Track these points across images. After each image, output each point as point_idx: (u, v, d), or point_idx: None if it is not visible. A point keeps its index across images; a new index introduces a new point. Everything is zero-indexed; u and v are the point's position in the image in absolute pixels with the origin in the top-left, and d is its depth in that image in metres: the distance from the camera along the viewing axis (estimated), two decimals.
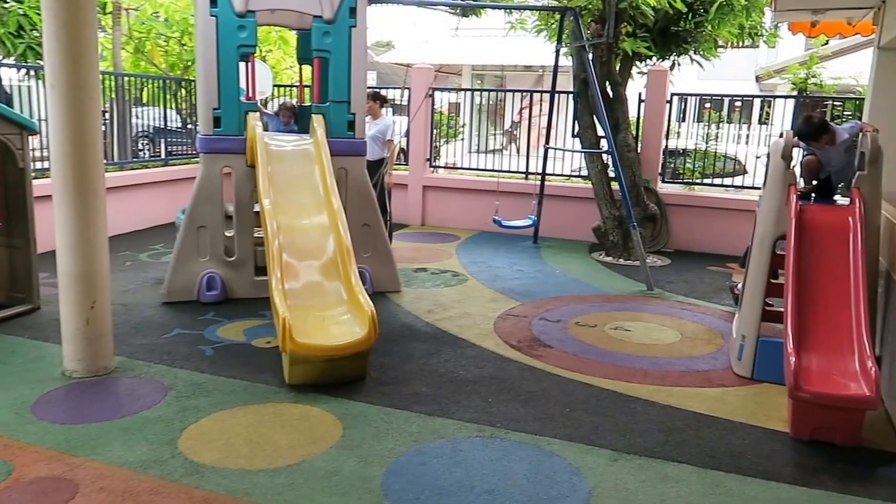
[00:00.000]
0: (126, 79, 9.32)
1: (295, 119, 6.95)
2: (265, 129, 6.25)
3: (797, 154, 4.87)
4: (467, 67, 20.88)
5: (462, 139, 11.70)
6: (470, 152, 11.65)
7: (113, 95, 9.07)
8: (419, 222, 10.27)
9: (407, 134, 10.09)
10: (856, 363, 3.88)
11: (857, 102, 8.66)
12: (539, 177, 8.96)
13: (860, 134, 4.64)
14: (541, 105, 10.43)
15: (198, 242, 5.95)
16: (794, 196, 4.57)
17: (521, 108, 12.11)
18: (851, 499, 3.27)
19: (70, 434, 3.61)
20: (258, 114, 6.02)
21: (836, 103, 9.40)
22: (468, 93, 12.76)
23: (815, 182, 4.98)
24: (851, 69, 11.80)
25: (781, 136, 4.83)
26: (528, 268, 7.76)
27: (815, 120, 4.84)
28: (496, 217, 8.18)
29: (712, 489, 3.30)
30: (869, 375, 3.70)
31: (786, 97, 10.51)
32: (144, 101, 10.06)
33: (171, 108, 10.09)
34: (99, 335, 4.37)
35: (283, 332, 4.16)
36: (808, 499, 3.25)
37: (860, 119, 6.91)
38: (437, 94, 10.76)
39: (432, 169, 10.53)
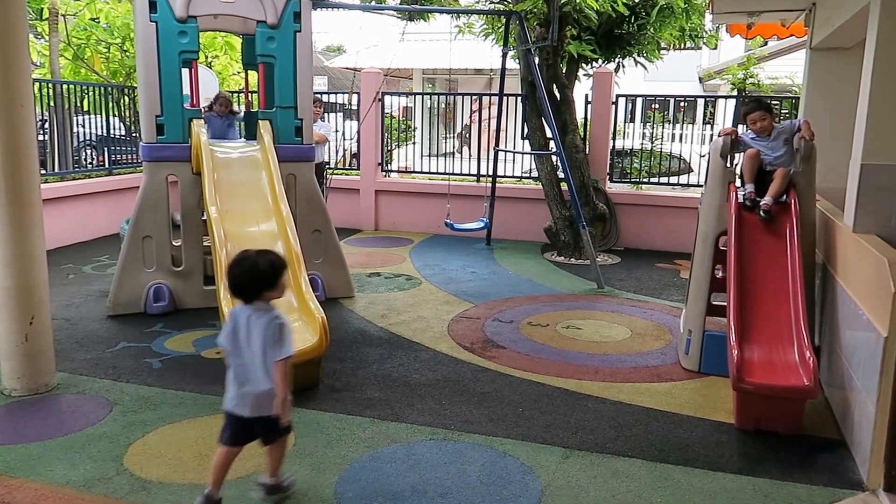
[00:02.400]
0: (65, 86, 9.05)
1: (231, 110, 6.83)
2: (207, 124, 6.12)
3: (738, 158, 4.98)
4: (418, 71, 20.90)
5: (414, 143, 11.72)
6: (423, 156, 11.67)
7: (52, 104, 8.80)
8: (372, 227, 10.23)
9: (357, 139, 10.05)
10: (795, 354, 4.00)
11: (794, 101, 8.95)
12: (490, 179, 9.02)
13: (797, 132, 4.77)
14: (489, 108, 10.50)
15: (143, 253, 5.82)
16: (734, 193, 4.70)
17: (472, 112, 12.18)
18: (794, 485, 3.37)
19: (9, 455, 3.49)
20: (202, 121, 5.91)
21: (773, 102, 9.69)
22: (419, 96, 12.78)
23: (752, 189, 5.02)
24: (788, 69, 12.21)
25: (720, 135, 4.96)
26: (482, 269, 7.80)
27: (759, 100, 5.12)
28: (448, 220, 8.21)
29: (661, 482, 3.37)
30: (808, 366, 3.83)
31: (727, 97, 10.82)
32: (85, 109, 9.79)
33: (114, 115, 9.84)
34: (39, 351, 4.23)
35: None
36: (753, 487, 3.34)
37: (796, 116, 7.15)
38: (388, 98, 10.76)
39: (384, 173, 10.51)
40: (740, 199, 4.68)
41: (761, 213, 4.59)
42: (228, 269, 3.02)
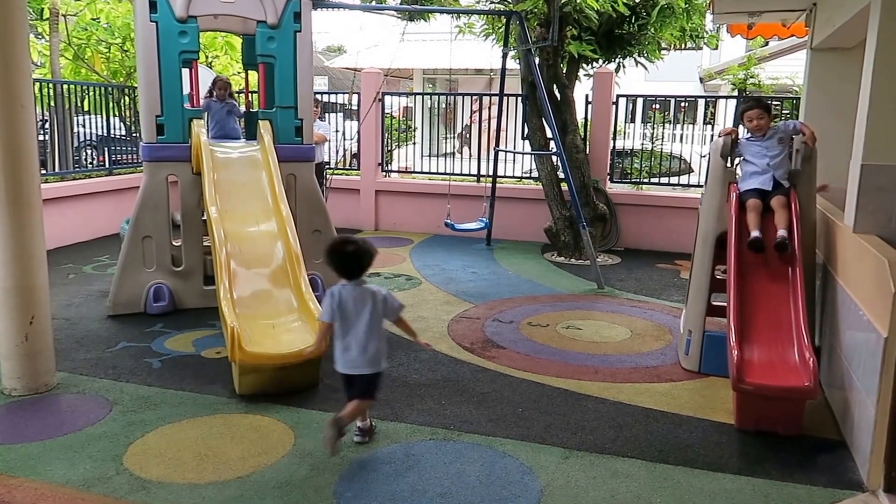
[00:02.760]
0: (66, 86, 9.06)
1: (230, 94, 6.79)
2: (207, 111, 6.08)
3: (737, 161, 4.96)
4: (418, 71, 20.90)
5: (414, 143, 11.72)
6: (423, 156, 11.67)
7: (52, 104, 8.81)
8: (372, 227, 10.23)
9: (358, 139, 10.05)
10: (795, 355, 4.00)
11: (794, 102, 8.95)
12: (490, 179, 9.02)
13: (794, 133, 4.76)
14: (490, 109, 10.51)
15: (143, 253, 5.82)
16: (734, 193, 4.70)
17: (473, 112, 12.18)
18: (794, 486, 3.36)
19: (9, 454, 3.49)
20: (203, 121, 5.91)
21: (774, 103, 9.69)
22: (419, 97, 12.79)
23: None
24: (788, 70, 12.21)
25: (720, 135, 4.96)
26: (482, 270, 7.80)
27: (759, 99, 5.11)
28: (448, 220, 8.21)
29: (661, 482, 3.37)
30: (808, 366, 3.82)
31: (727, 97, 10.82)
32: (86, 109, 9.79)
33: (114, 115, 9.84)
34: (39, 351, 4.23)
35: (232, 342, 4.10)
36: (753, 488, 3.34)
37: (797, 119, 7.14)
38: (388, 98, 10.76)
39: (385, 173, 10.51)
40: (749, 243, 4.50)
41: (778, 246, 4.40)
42: (335, 251, 3.54)
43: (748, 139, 4.83)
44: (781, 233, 4.44)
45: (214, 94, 6.72)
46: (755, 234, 4.51)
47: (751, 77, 11.49)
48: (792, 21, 7.21)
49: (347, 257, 3.52)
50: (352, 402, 3.55)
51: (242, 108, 6.99)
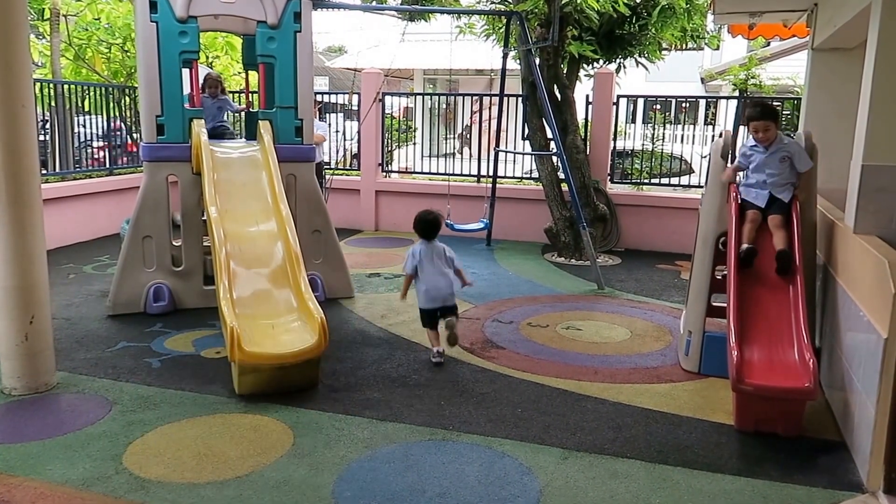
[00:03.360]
0: (66, 86, 9.06)
1: (222, 90, 6.79)
2: (202, 107, 6.10)
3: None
4: (419, 71, 20.90)
5: (415, 143, 11.72)
6: (423, 156, 11.66)
7: (53, 104, 8.81)
8: (372, 227, 10.23)
9: (358, 139, 10.04)
10: (795, 355, 3.99)
11: (795, 102, 8.94)
12: (490, 180, 9.02)
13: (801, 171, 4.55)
14: (490, 109, 10.51)
15: (143, 253, 5.82)
16: (735, 194, 4.69)
17: (473, 112, 12.17)
18: (793, 487, 3.36)
19: (8, 454, 3.49)
20: (203, 120, 5.91)
21: (775, 103, 9.69)
22: (420, 97, 12.79)
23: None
24: (790, 70, 12.20)
25: (721, 135, 4.95)
26: (482, 270, 7.80)
27: (767, 106, 4.74)
28: (448, 221, 8.20)
29: (660, 483, 3.36)
30: (808, 367, 3.81)
31: (728, 98, 10.81)
32: (86, 109, 9.79)
33: (115, 115, 9.84)
34: (39, 351, 4.23)
35: (232, 342, 4.10)
36: (753, 489, 3.34)
37: (797, 119, 7.14)
38: (389, 98, 10.75)
39: (385, 174, 10.51)
40: (740, 254, 4.42)
41: (779, 261, 4.29)
42: (422, 220, 4.96)
43: (752, 147, 4.66)
44: (781, 248, 4.32)
45: (207, 90, 6.71)
46: (746, 245, 4.43)
47: (752, 77, 11.47)
48: (793, 21, 7.21)
49: (430, 223, 4.93)
50: (446, 322, 4.82)
51: (239, 105, 6.97)
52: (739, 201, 4.65)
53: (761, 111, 4.60)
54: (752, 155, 4.65)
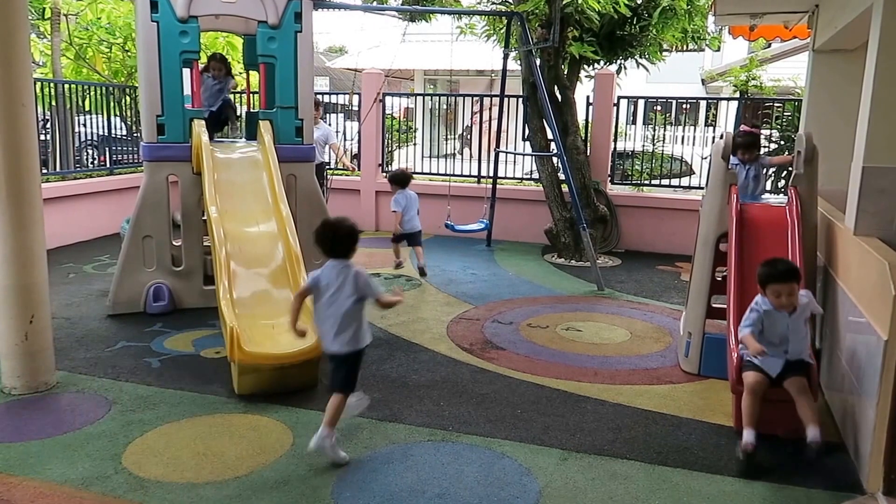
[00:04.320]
0: (67, 86, 9.06)
1: (227, 71, 6.67)
2: (202, 86, 6.03)
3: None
4: (419, 72, 20.92)
5: (415, 144, 11.72)
6: (423, 157, 11.66)
7: (53, 103, 8.81)
8: (373, 228, 10.23)
9: (358, 139, 10.04)
10: None
11: (796, 104, 8.94)
12: (491, 180, 9.01)
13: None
14: (491, 110, 10.51)
15: (143, 252, 5.82)
16: (735, 195, 4.69)
17: (474, 113, 12.17)
18: (793, 489, 3.36)
19: (8, 453, 3.49)
20: (203, 121, 5.91)
21: (776, 104, 9.69)
22: (420, 97, 12.79)
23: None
24: (791, 71, 12.20)
25: (721, 137, 4.95)
26: (482, 271, 7.79)
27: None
28: (449, 221, 8.20)
29: (659, 484, 3.36)
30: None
31: (729, 99, 10.80)
32: (87, 108, 9.80)
33: (115, 115, 9.85)
34: (38, 350, 4.23)
35: (231, 342, 4.10)
36: (751, 490, 3.33)
37: (798, 119, 7.14)
38: (389, 98, 10.75)
39: (385, 174, 10.49)
40: (742, 455, 3.51)
41: (810, 455, 3.46)
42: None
43: (770, 311, 3.71)
44: (813, 435, 3.45)
45: (212, 72, 6.59)
46: (748, 437, 3.50)
47: (753, 79, 11.47)
48: (794, 23, 7.20)
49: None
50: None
51: (237, 85, 6.83)
52: (738, 356, 3.88)
53: (784, 271, 3.65)
54: (774, 322, 3.72)
